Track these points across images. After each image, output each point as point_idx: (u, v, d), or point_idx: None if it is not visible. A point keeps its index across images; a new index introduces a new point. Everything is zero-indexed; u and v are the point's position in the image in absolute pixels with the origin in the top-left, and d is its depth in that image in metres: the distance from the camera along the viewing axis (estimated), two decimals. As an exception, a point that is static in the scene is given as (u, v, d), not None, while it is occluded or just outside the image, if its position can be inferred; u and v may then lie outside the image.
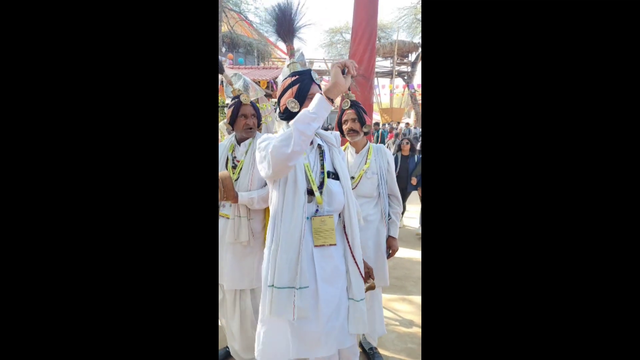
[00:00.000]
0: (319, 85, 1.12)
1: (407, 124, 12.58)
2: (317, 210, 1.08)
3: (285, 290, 1.01)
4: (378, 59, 13.02)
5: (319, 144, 1.14)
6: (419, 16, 11.89)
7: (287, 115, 1.07)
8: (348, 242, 1.13)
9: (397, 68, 13.73)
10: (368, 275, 1.24)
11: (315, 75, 1.10)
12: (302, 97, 1.06)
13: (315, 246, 1.05)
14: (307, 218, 1.06)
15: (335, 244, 1.08)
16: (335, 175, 1.12)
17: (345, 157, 1.28)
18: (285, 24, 1.18)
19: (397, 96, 14.62)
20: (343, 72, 0.92)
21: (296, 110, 1.05)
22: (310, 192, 1.06)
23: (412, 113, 14.32)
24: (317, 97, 0.93)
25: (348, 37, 10.04)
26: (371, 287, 1.25)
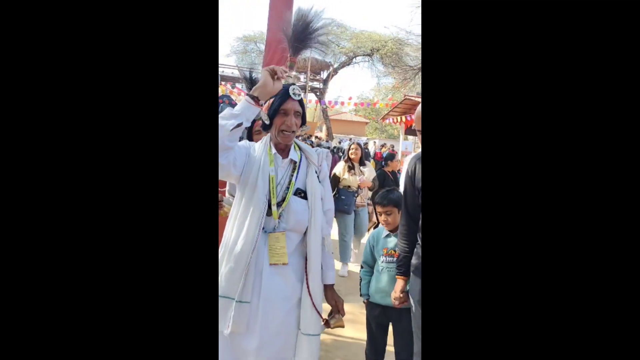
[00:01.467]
0: (300, 102, 1.09)
1: (319, 137, 13.10)
2: (274, 226, 1.04)
3: (225, 299, 0.97)
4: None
5: (292, 159, 1.10)
6: (331, 37, 12.66)
7: (263, 127, 1.10)
8: (306, 267, 1.07)
9: (310, 84, 14.27)
10: (336, 309, 1.15)
11: (293, 91, 1.07)
12: (274, 111, 1.06)
13: (270, 264, 1.02)
14: (265, 232, 1.02)
15: (286, 264, 1.04)
16: (303, 194, 1.07)
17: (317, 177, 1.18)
18: (300, 34, 1.12)
19: (310, 110, 15.16)
20: (273, 78, 0.97)
21: (268, 123, 1.06)
22: (270, 206, 1.04)
23: (324, 127, 15.03)
24: (244, 98, 0.97)
25: (262, 47, 10.01)
26: (339, 325, 1.14)
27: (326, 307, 1.16)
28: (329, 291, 1.15)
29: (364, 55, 12.86)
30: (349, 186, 3.36)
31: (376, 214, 1.84)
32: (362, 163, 3.49)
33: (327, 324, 1.12)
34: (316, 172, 1.14)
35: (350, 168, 3.42)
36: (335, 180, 3.26)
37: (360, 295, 1.79)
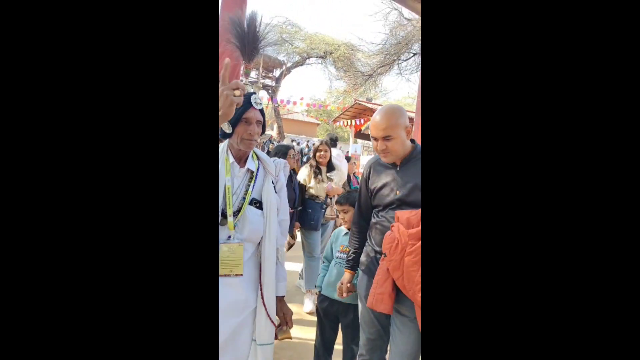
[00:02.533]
0: (261, 111, 1.09)
1: (271, 136, 12.92)
2: (229, 236, 1.04)
3: None
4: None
5: (249, 168, 1.11)
6: (285, 35, 12.57)
7: (222, 135, 1.09)
8: (260, 277, 1.08)
9: (262, 81, 14.00)
10: (285, 321, 1.15)
11: (255, 100, 1.07)
12: (236, 120, 1.05)
13: (220, 275, 1.01)
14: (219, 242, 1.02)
15: (241, 275, 1.04)
16: (259, 204, 1.09)
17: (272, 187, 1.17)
18: (248, 41, 1.08)
19: (262, 108, 14.82)
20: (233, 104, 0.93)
21: (229, 132, 1.05)
22: (224, 216, 1.03)
23: (275, 126, 14.85)
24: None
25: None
26: (287, 337, 1.13)
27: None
28: (278, 303, 1.15)
29: (317, 57, 13.00)
30: (317, 196, 2.72)
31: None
32: (330, 167, 2.85)
33: (275, 336, 1.13)
34: (273, 182, 1.14)
35: (317, 174, 2.76)
36: (301, 190, 2.71)
37: (315, 286, 1.87)
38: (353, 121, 12.43)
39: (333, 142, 4.55)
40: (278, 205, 1.14)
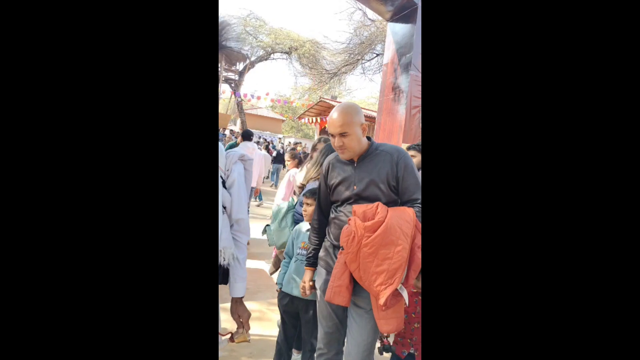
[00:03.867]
0: None
1: (232, 130, 12.56)
2: None
3: None
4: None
5: None
6: (249, 28, 12.26)
7: None
8: None
9: (224, 74, 13.54)
10: (241, 324, 1.11)
11: None
12: None
13: None
14: None
15: None
16: None
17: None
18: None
19: (224, 102, 14.40)
20: None
21: None
22: None
23: (238, 121, 14.48)
24: None
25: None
26: (243, 340, 1.08)
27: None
28: (234, 304, 1.10)
29: (282, 52, 12.85)
30: None
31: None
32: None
33: (231, 339, 1.09)
34: (222, 177, 1.09)
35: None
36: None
37: (276, 283, 1.85)
38: (318, 118, 12.47)
39: (248, 136, 4.55)
40: (225, 202, 1.09)
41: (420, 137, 5.40)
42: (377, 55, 10.66)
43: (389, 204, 1.27)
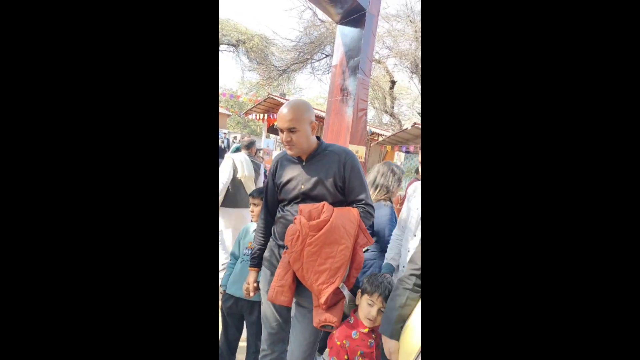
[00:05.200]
0: None
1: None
2: None
3: None
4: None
5: None
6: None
7: None
8: None
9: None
10: None
11: None
12: None
13: None
14: None
15: None
16: None
17: None
18: None
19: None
20: None
21: None
22: None
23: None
24: None
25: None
26: None
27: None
28: None
29: (228, 44, 12.34)
30: None
31: None
32: None
33: None
34: None
35: None
36: None
37: (220, 285, 1.77)
38: (266, 115, 12.25)
39: None
40: None
41: (365, 140, 5.62)
42: (327, 56, 10.82)
43: (335, 204, 1.30)
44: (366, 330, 1.24)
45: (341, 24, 5.50)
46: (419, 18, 10.39)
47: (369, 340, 1.22)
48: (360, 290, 1.33)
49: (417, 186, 1.58)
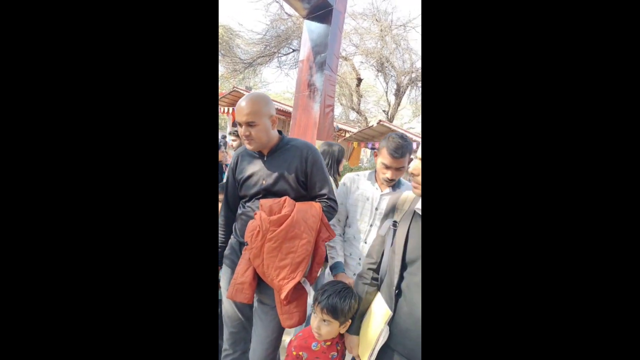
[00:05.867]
0: None
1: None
2: None
3: None
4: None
5: None
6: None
7: None
8: None
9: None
10: None
11: None
12: None
13: None
14: None
15: None
16: None
17: None
18: None
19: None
20: None
21: None
22: None
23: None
24: None
25: None
26: None
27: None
28: None
29: (192, 34, 11.77)
30: None
31: None
32: None
33: None
34: None
35: None
36: None
37: None
38: (231, 109, 11.90)
39: None
40: None
41: (332, 136, 5.66)
42: (294, 50, 10.72)
43: (298, 199, 1.28)
44: (328, 343, 1.14)
45: (308, 18, 5.46)
46: (384, 17, 10.61)
47: (331, 353, 1.14)
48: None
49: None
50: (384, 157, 1.41)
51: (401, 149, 1.37)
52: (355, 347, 1.09)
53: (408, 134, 8.78)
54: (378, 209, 1.48)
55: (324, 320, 1.10)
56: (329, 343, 1.14)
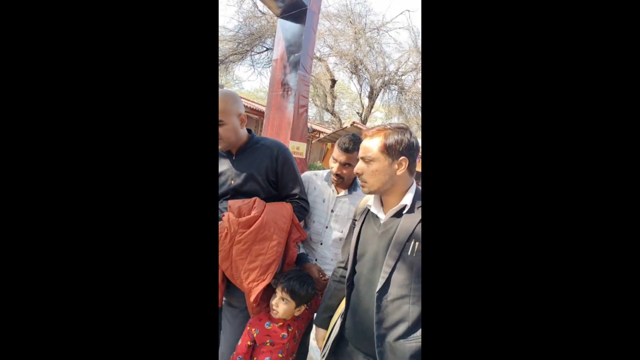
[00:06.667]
0: None
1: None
2: None
3: None
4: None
5: None
6: None
7: None
8: None
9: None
10: None
11: None
12: None
13: None
14: None
15: None
16: None
17: None
18: None
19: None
20: None
21: None
22: None
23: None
24: None
25: None
26: None
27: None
28: None
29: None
30: None
31: None
32: None
33: None
34: None
35: None
36: None
37: None
38: (202, 107, 11.53)
39: None
40: None
41: (306, 136, 5.65)
42: (267, 49, 10.60)
43: (269, 199, 1.26)
44: (280, 323, 1.19)
45: (282, 17, 5.42)
46: (358, 20, 10.76)
47: (282, 334, 1.19)
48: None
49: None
50: (334, 152, 1.41)
51: (349, 143, 1.35)
52: (320, 340, 1.15)
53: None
54: (334, 211, 1.43)
55: (283, 299, 1.17)
56: (281, 323, 1.20)
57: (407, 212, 0.91)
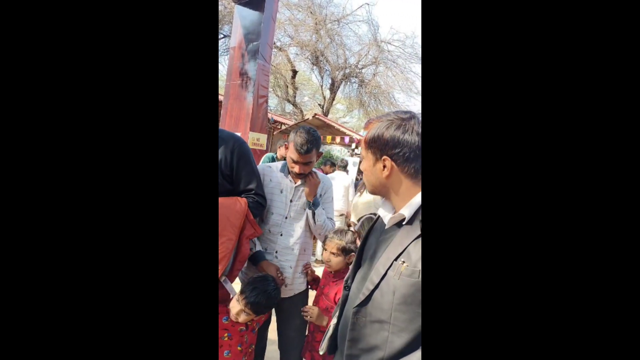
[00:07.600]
0: None
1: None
2: None
3: None
4: None
5: None
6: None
7: None
8: None
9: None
10: None
11: None
12: None
13: None
14: None
15: None
16: None
17: None
18: None
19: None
20: None
21: None
22: None
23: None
24: None
25: None
26: None
27: None
28: None
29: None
30: None
31: None
32: None
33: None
34: None
35: None
36: None
37: None
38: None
39: None
40: None
41: (266, 127, 5.54)
42: (225, 36, 10.18)
43: (223, 193, 1.22)
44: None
45: (240, 4, 5.21)
46: (319, 10, 10.69)
47: (240, 327, 1.20)
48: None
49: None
50: (291, 153, 1.35)
51: (307, 144, 1.31)
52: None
53: (343, 129, 9.07)
54: (293, 200, 1.42)
55: (245, 312, 1.17)
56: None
57: (407, 224, 0.75)
